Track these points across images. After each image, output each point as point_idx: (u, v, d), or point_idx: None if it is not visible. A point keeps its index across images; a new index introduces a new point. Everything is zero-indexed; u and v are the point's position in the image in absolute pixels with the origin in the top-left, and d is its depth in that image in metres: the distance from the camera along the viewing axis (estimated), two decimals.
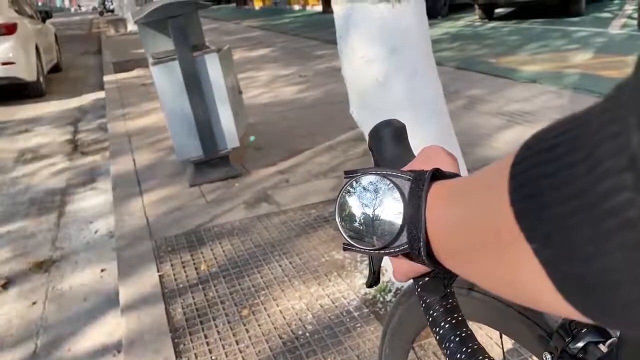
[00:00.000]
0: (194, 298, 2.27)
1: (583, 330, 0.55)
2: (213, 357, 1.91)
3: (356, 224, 0.42)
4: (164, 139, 4.48)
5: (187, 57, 3.24)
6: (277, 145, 4.16)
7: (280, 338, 1.96)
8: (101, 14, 31.19)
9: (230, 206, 3.16)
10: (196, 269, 2.50)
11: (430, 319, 0.54)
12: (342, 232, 0.43)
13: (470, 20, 11.69)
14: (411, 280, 0.54)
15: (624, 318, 0.21)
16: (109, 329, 2.27)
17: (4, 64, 7.01)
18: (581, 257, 0.21)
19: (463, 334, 0.53)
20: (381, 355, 0.96)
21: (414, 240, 0.38)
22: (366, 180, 0.42)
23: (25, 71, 7.24)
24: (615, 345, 0.50)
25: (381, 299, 2.12)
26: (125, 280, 2.45)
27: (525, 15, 11.10)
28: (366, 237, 0.41)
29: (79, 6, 61.25)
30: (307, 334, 1.97)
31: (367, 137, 0.65)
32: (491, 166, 0.30)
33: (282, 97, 5.90)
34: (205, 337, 2.02)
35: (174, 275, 2.47)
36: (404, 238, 0.39)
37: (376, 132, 0.53)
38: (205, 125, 3.36)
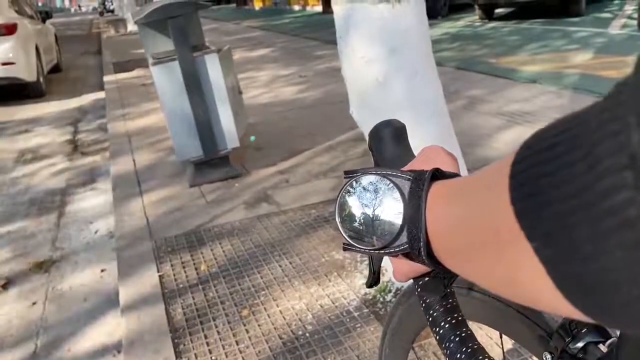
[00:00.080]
0: (194, 298, 2.27)
1: (583, 330, 0.55)
2: (213, 358, 1.91)
3: (356, 224, 0.42)
4: (164, 139, 4.48)
5: (187, 58, 3.24)
6: (277, 146, 4.16)
7: (280, 338, 1.96)
8: (101, 14, 31.20)
9: (230, 206, 3.16)
10: (196, 269, 2.50)
11: (430, 319, 0.54)
12: (342, 232, 0.43)
13: (470, 20, 11.69)
14: (411, 281, 0.54)
15: (624, 317, 0.21)
16: (109, 329, 2.27)
17: (4, 64, 7.01)
18: (581, 256, 0.21)
19: (463, 334, 0.53)
20: (381, 355, 0.96)
21: (414, 240, 0.38)
22: (366, 180, 0.42)
23: (25, 71, 7.24)
24: (615, 345, 0.50)
25: (381, 299, 2.12)
26: (125, 281, 2.45)
27: (525, 15, 11.10)
28: (366, 237, 0.41)
29: (79, 6, 61.29)
30: (307, 334, 1.97)
31: (367, 137, 0.65)
32: (491, 166, 0.30)
33: (282, 97, 5.91)
34: (205, 337, 2.02)
35: (174, 275, 2.47)
36: (404, 238, 0.39)
37: (376, 132, 0.53)
38: (205, 126, 3.36)
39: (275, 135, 4.47)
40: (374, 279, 0.56)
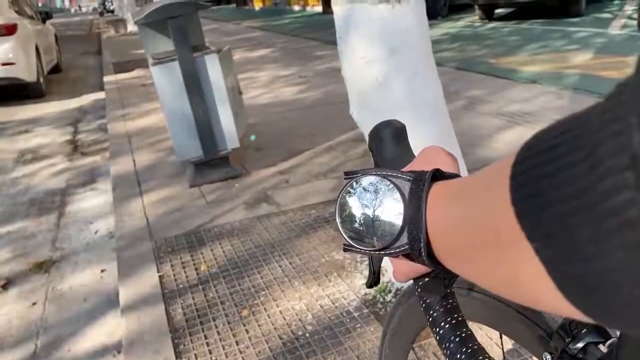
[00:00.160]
0: (194, 298, 2.27)
1: (583, 331, 0.55)
2: (213, 358, 1.90)
3: (356, 225, 0.42)
4: (164, 140, 4.48)
5: (187, 58, 3.24)
6: (277, 146, 4.16)
7: (280, 338, 1.96)
8: (101, 14, 31.20)
9: (230, 207, 3.16)
10: (196, 269, 2.50)
11: (431, 319, 0.54)
12: (342, 232, 0.43)
13: (470, 20, 11.69)
14: (411, 281, 0.54)
15: (625, 317, 0.21)
16: (109, 329, 2.26)
17: (4, 64, 7.01)
18: (582, 256, 0.21)
19: (463, 334, 0.53)
20: (381, 355, 0.96)
21: (415, 240, 0.38)
22: (366, 180, 0.42)
23: (25, 72, 7.25)
24: (615, 346, 0.50)
25: (381, 299, 2.12)
26: (125, 281, 2.45)
27: (525, 15, 11.10)
28: (366, 237, 0.41)
29: (79, 7, 61.30)
30: (307, 335, 1.97)
31: (367, 138, 0.65)
32: (492, 166, 0.30)
33: (282, 98, 5.91)
34: (205, 337, 2.02)
35: (174, 275, 2.47)
36: (404, 239, 0.39)
37: (376, 132, 0.53)
38: (205, 126, 3.36)
39: (275, 135, 4.47)
40: (374, 280, 0.56)
